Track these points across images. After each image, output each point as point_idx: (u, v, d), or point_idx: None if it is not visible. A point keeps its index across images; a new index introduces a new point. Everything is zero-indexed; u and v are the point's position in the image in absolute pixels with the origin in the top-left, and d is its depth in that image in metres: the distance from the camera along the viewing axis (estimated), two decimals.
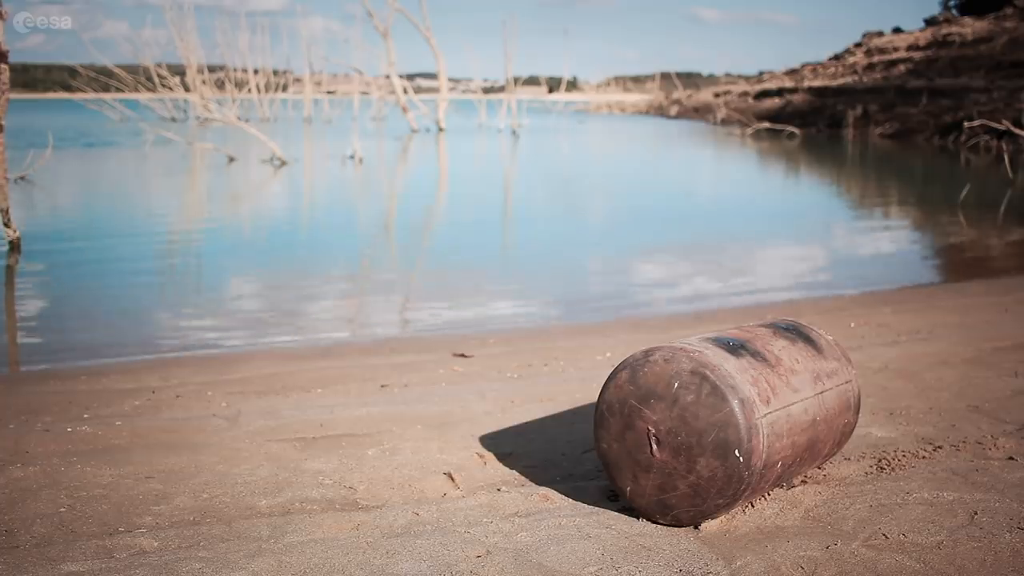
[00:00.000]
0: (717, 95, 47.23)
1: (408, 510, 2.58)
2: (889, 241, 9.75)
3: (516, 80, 38.78)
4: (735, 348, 2.43)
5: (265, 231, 10.21)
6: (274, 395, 3.98)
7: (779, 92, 40.20)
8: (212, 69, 38.82)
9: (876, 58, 38.16)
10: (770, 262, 8.38)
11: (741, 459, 2.26)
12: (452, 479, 2.84)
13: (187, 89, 30.54)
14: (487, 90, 56.66)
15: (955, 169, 19.35)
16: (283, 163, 18.32)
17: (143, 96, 31.86)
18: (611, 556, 2.22)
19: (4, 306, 6.41)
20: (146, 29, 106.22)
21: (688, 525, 2.39)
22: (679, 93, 54.58)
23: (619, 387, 2.43)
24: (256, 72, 41.94)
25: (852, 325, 5.24)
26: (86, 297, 6.63)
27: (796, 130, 31.31)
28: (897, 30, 42.09)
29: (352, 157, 19.28)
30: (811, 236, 10.12)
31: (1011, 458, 2.85)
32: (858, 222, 11.53)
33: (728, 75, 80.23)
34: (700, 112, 46.56)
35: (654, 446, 2.37)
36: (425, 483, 2.81)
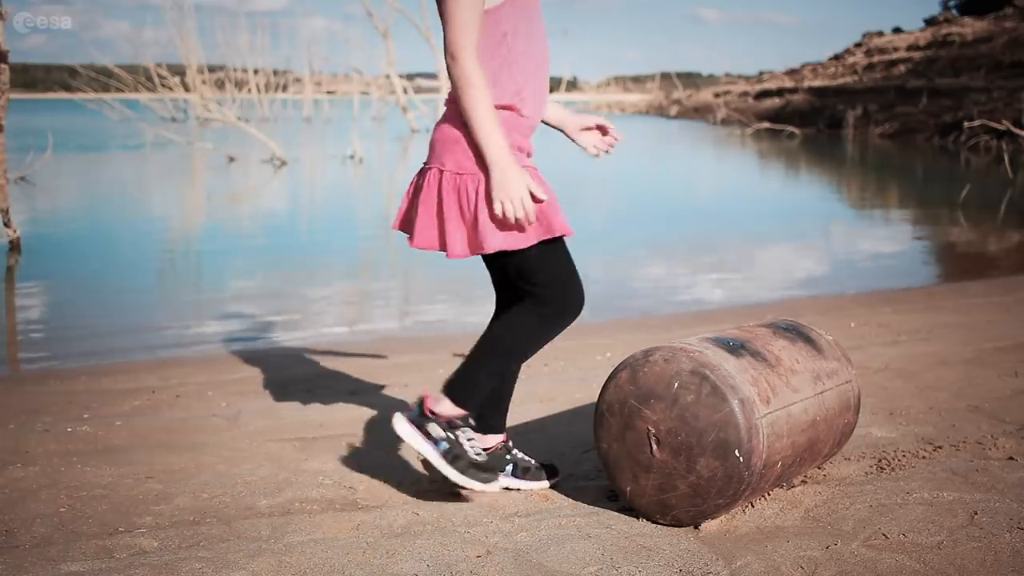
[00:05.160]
0: (717, 95, 47.20)
1: (408, 510, 2.58)
2: (889, 241, 9.75)
3: None
4: (735, 348, 2.43)
5: (265, 231, 10.21)
6: (274, 395, 3.98)
7: (779, 92, 40.18)
8: (212, 69, 38.77)
9: (876, 58, 38.15)
10: (770, 261, 8.39)
11: (741, 459, 2.26)
12: None
13: (187, 89, 30.50)
14: None
15: (955, 169, 19.35)
16: (283, 163, 18.31)
17: (143, 96, 31.81)
18: (611, 556, 2.22)
19: (4, 306, 6.41)
20: (146, 29, 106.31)
21: (688, 525, 2.39)
22: (679, 93, 54.55)
23: (619, 387, 2.43)
24: (256, 72, 41.91)
25: (852, 325, 5.24)
26: (86, 297, 6.63)
27: (796, 130, 31.29)
28: (897, 30, 42.09)
29: (352, 157, 19.28)
30: (811, 236, 10.12)
31: (1011, 458, 2.85)
32: (858, 222, 11.53)
33: (728, 75, 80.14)
34: (700, 112, 46.52)
35: (654, 446, 2.37)
36: (425, 483, 2.80)
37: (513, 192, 2.27)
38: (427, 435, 2.42)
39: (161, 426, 3.52)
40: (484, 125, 2.27)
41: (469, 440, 2.45)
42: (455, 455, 2.40)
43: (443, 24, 2.29)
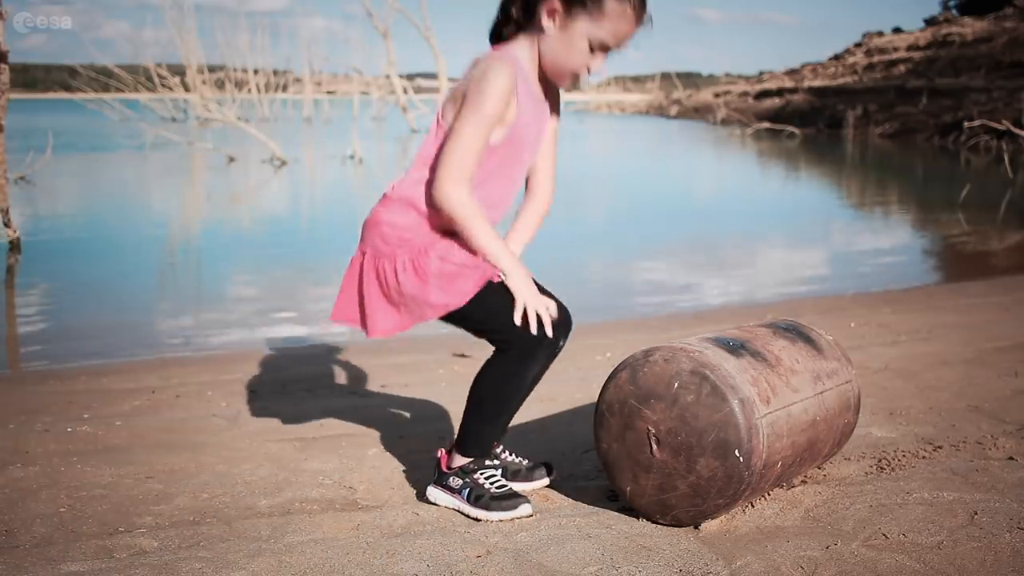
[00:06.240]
0: (717, 95, 47.20)
1: (408, 510, 2.58)
2: (889, 241, 9.75)
3: None
4: (735, 348, 2.43)
5: (265, 231, 10.21)
6: (274, 395, 3.98)
7: (779, 92, 40.18)
8: (212, 69, 38.74)
9: (876, 58, 38.14)
10: (770, 261, 8.39)
11: (741, 459, 2.26)
12: None
13: (187, 89, 30.49)
14: None
15: (955, 169, 19.35)
16: (283, 163, 18.31)
17: (143, 96, 31.80)
18: (611, 556, 2.22)
19: (4, 306, 6.41)
20: (146, 29, 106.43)
21: (688, 525, 2.39)
22: (679, 93, 54.54)
23: (619, 387, 2.43)
24: (256, 72, 41.91)
25: (852, 325, 5.24)
26: (86, 297, 6.63)
27: (796, 130, 31.29)
28: (897, 30, 42.09)
29: (352, 157, 19.27)
30: (811, 235, 10.12)
31: (1011, 458, 2.85)
32: (858, 222, 11.53)
33: (728, 75, 80.00)
34: (700, 112, 46.51)
35: (654, 446, 2.37)
36: (425, 483, 2.80)
37: (530, 298, 2.42)
38: (450, 489, 2.59)
39: (161, 426, 3.52)
40: (490, 248, 2.41)
41: (488, 477, 2.58)
42: (476, 495, 2.54)
43: (448, 146, 2.38)
